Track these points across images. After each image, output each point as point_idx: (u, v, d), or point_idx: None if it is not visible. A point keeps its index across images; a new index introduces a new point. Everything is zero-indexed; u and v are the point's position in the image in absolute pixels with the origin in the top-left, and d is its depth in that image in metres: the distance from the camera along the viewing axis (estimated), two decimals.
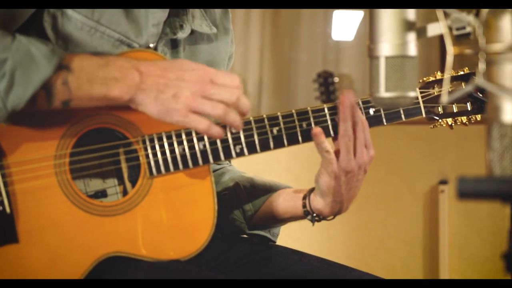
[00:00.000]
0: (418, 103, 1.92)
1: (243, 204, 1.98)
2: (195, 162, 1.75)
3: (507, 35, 1.12)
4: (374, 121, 1.90)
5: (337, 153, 1.82)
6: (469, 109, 1.94)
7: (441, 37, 1.21)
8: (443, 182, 4.39)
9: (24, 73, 1.54)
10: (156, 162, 1.72)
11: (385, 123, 1.92)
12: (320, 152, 1.81)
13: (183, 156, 1.74)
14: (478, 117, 1.96)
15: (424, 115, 1.95)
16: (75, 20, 1.72)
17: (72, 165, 1.68)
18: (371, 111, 1.89)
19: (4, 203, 1.62)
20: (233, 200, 1.99)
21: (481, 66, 1.16)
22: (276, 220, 1.98)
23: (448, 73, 1.23)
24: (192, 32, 1.93)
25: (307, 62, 6.18)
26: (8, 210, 1.62)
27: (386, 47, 1.31)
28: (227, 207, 1.97)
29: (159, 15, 1.82)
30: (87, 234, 1.67)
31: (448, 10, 1.20)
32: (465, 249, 4.40)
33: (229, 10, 2.10)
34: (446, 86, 1.24)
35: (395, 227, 4.46)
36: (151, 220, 1.72)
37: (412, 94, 1.30)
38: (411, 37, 1.27)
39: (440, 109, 1.95)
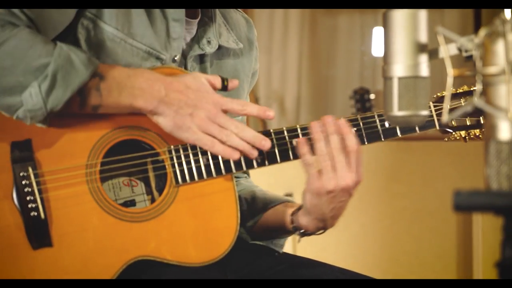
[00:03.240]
0: (432, 116, 1.96)
1: (244, 216, 2.03)
2: (218, 172, 1.84)
3: (501, 58, 1.19)
4: (389, 133, 1.94)
5: (320, 173, 1.84)
6: (482, 122, 2.00)
7: None
8: None
9: (64, 77, 1.65)
10: (182, 171, 1.82)
11: (399, 135, 1.96)
12: (304, 166, 1.86)
13: (207, 166, 1.83)
14: (478, 131, 2.02)
15: (437, 127, 1.99)
16: (107, 32, 1.82)
17: (102, 173, 1.78)
18: (386, 123, 1.93)
19: (39, 209, 1.72)
20: None
21: (478, 87, 1.21)
22: (272, 233, 2.05)
23: (448, 92, 1.29)
24: (219, 47, 2.03)
25: (344, 78, 6.23)
26: (42, 216, 1.72)
27: (399, 68, 1.38)
28: None
29: (179, 29, 1.92)
30: (116, 238, 1.77)
31: (449, 35, 1.27)
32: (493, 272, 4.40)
33: (253, 25, 2.20)
34: (446, 105, 1.30)
35: (429, 242, 4.50)
36: (177, 226, 1.81)
37: (424, 112, 1.35)
38: (423, 58, 1.33)
39: (454, 122, 2.01)
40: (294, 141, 1.87)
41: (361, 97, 5.28)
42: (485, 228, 4.40)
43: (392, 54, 1.39)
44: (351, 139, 1.84)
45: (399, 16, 1.42)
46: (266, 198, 2.08)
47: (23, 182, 1.71)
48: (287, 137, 1.89)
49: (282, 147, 1.88)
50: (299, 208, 1.95)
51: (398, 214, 4.60)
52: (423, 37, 1.38)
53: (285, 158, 1.89)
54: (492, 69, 1.19)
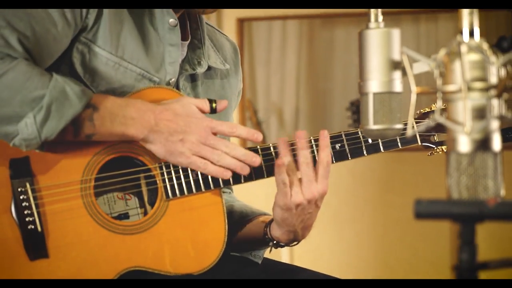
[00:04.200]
0: (426, 130, 2.02)
1: None
2: (207, 186, 1.92)
3: (459, 77, 1.27)
4: (372, 149, 2.01)
5: (286, 189, 1.90)
6: None
7: None
8: None
9: (58, 108, 1.74)
10: (172, 186, 1.90)
11: (382, 151, 2.02)
12: (278, 184, 1.91)
13: (196, 180, 1.91)
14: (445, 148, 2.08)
15: (419, 143, 2.06)
16: (101, 56, 1.90)
17: (96, 189, 1.88)
18: (370, 139, 1.99)
19: (36, 222, 1.81)
20: None
21: (439, 103, 1.28)
22: (251, 244, 2.11)
23: (412, 109, 1.37)
24: (208, 68, 2.11)
25: (341, 90, 6.28)
26: (39, 229, 1.81)
27: (374, 84, 1.44)
28: None
29: (175, 54, 2.00)
30: (110, 250, 1.86)
31: (413, 55, 1.36)
32: (494, 272, 4.46)
33: (238, 48, 2.30)
34: (410, 120, 1.38)
35: (423, 250, 4.56)
36: (168, 238, 1.90)
37: (398, 126, 1.41)
38: (397, 75, 1.40)
39: (435, 137, 2.09)
40: (277, 161, 1.90)
41: (357, 109, 5.36)
42: (478, 236, 4.46)
43: (367, 71, 1.45)
44: (323, 151, 1.92)
45: (374, 35, 1.50)
46: (243, 211, 2.15)
47: (21, 197, 1.81)
48: (273, 153, 1.96)
49: (268, 162, 1.95)
50: (272, 221, 2.01)
51: (392, 223, 4.68)
52: (397, 55, 1.46)
53: (271, 173, 1.96)
54: (450, 87, 1.25)
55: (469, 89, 1.24)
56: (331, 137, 1.97)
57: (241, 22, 5.82)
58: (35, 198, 1.82)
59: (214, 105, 1.92)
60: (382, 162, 4.66)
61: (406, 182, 4.72)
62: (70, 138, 1.80)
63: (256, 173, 1.95)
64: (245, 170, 1.91)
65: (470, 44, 1.26)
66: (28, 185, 1.82)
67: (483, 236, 4.43)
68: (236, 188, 2.27)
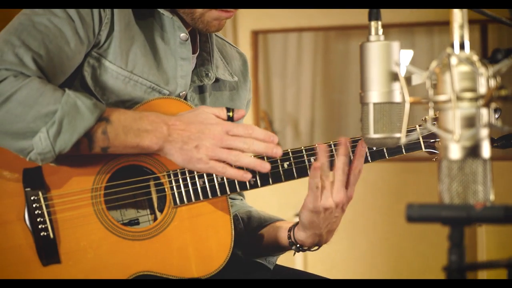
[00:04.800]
0: (418, 138, 2.05)
1: (240, 234, 2.14)
2: (214, 193, 1.97)
3: (449, 88, 1.32)
4: (377, 155, 2.05)
5: (317, 192, 1.94)
6: None
7: None
8: None
9: (70, 122, 1.80)
10: (180, 193, 1.96)
11: (387, 157, 2.06)
12: (311, 187, 1.95)
13: (203, 188, 1.97)
14: None
15: (423, 149, 2.08)
16: (111, 71, 1.96)
17: (106, 197, 1.94)
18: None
19: (48, 229, 1.88)
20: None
21: (430, 113, 1.32)
22: (268, 249, 2.15)
23: (406, 118, 1.42)
24: (217, 80, 2.17)
25: (356, 102, 6.28)
26: (51, 235, 1.89)
27: (374, 95, 1.51)
28: None
29: (186, 68, 2.06)
30: (119, 255, 1.92)
31: (406, 67, 1.41)
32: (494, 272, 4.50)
33: (247, 61, 2.34)
34: (404, 128, 1.42)
35: (435, 259, 4.58)
36: (176, 243, 1.96)
37: (397, 135, 1.47)
38: (397, 86, 1.45)
39: (439, 143, 2.12)
40: (314, 164, 1.94)
41: None
42: (489, 245, 4.49)
43: (368, 82, 1.53)
44: (357, 160, 1.97)
45: (374, 47, 1.55)
46: (261, 217, 2.20)
47: (34, 205, 1.88)
48: (279, 160, 2.01)
49: (274, 169, 1.99)
50: (295, 225, 2.06)
51: (405, 232, 4.70)
52: (396, 67, 1.51)
53: (277, 180, 2.01)
54: (441, 97, 1.30)
55: (459, 99, 1.29)
56: (334, 145, 2.02)
57: (255, 34, 5.87)
58: (47, 206, 1.89)
59: (231, 113, 1.96)
60: (395, 172, 4.70)
61: (418, 192, 4.75)
62: (86, 152, 1.86)
63: (261, 180, 1.99)
64: (265, 167, 1.93)
65: (460, 56, 1.31)
66: (40, 194, 1.89)
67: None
68: (250, 197, 2.32)
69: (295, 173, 2.02)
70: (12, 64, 1.81)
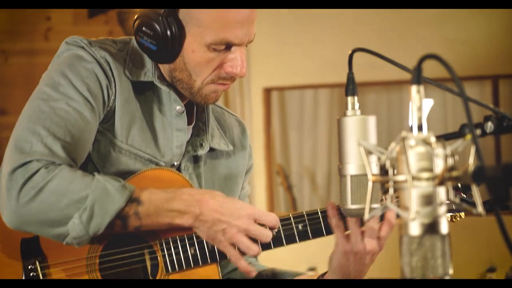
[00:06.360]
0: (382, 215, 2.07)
1: None
2: (204, 261, 2.05)
3: (406, 168, 1.38)
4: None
5: (349, 236, 2.00)
6: (464, 207, 2.13)
7: None
8: (491, 269, 4.52)
9: (101, 206, 1.89)
10: (172, 261, 2.03)
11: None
12: (334, 228, 2.02)
13: (194, 255, 2.04)
14: (463, 215, 2.17)
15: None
16: (114, 144, 2.05)
17: (101, 265, 2.02)
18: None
19: None
20: None
21: (390, 191, 1.39)
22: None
23: (369, 195, 1.48)
24: (212, 149, 2.24)
25: None
26: None
27: (351, 167, 1.59)
28: None
29: (182, 138, 2.14)
30: None
31: (369, 147, 1.48)
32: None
33: (247, 129, 2.41)
34: (368, 205, 1.48)
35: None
36: None
37: (374, 206, 1.54)
38: (373, 158, 1.49)
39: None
40: (328, 203, 2.03)
41: (387, 172, 5.41)
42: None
43: (345, 155, 1.61)
44: (391, 213, 2.02)
45: (351, 121, 1.63)
46: (286, 272, 2.26)
47: (31, 274, 1.97)
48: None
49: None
50: (323, 275, 2.10)
51: None
52: (373, 139, 1.59)
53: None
54: (399, 177, 1.37)
55: (416, 178, 1.35)
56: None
57: (267, 91, 5.96)
58: (44, 275, 1.99)
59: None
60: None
61: None
62: (120, 231, 1.95)
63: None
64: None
65: (417, 138, 1.36)
66: (37, 263, 1.98)
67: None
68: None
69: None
70: (42, 155, 1.89)
